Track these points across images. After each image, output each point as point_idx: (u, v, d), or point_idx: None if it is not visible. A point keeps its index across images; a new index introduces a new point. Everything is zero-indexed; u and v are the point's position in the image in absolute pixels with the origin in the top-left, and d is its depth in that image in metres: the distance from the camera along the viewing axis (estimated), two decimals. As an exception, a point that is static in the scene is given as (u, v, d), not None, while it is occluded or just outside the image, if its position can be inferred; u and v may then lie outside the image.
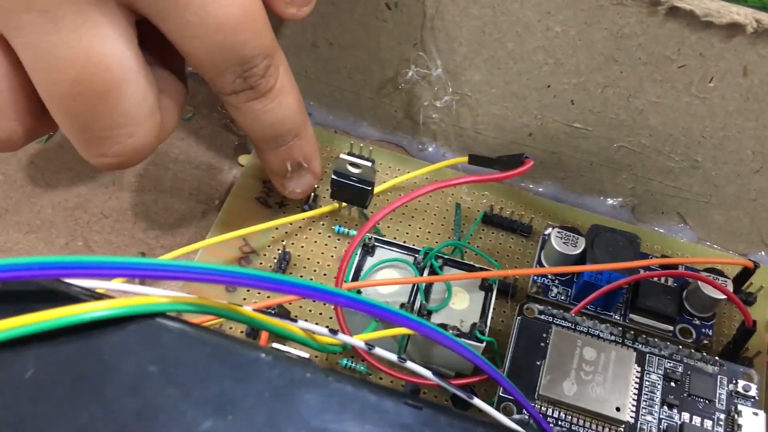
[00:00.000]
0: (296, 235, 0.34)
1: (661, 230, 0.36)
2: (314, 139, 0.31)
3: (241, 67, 0.25)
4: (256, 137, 0.29)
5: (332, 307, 0.31)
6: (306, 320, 0.30)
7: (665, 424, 0.27)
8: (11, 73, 0.24)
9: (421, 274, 0.29)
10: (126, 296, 0.19)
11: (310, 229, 0.34)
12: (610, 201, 0.37)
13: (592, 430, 0.27)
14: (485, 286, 0.30)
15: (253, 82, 0.26)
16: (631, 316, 0.31)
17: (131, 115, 0.24)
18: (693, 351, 0.29)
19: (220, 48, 0.24)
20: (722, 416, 0.27)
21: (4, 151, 0.25)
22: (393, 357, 0.23)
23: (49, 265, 0.18)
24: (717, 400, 0.28)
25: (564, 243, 0.32)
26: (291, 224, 0.34)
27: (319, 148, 0.32)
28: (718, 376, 0.28)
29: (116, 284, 0.20)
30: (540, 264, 0.33)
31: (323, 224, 0.34)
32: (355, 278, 0.29)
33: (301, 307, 0.32)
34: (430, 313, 0.29)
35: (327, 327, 0.22)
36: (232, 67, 0.25)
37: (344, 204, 0.34)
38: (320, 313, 0.32)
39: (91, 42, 0.22)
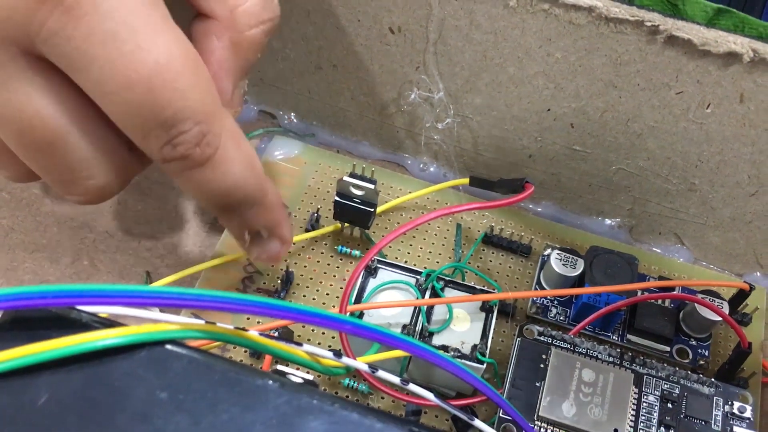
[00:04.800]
0: (299, 255, 0.34)
1: (659, 250, 0.37)
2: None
3: (165, 133, 0.22)
4: (204, 205, 0.26)
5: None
6: (309, 339, 0.31)
7: (662, 445, 0.28)
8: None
9: (423, 296, 0.30)
10: (135, 322, 0.20)
11: (313, 249, 0.35)
12: (608, 221, 0.37)
13: (591, 451, 0.27)
14: (486, 308, 0.30)
15: (184, 151, 0.23)
16: (629, 336, 0.32)
17: (83, 160, 0.24)
18: (689, 372, 0.29)
19: (135, 108, 0.22)
20: (718, 438, 0.28)
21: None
22: (396, 379, 0.23)
23: (62, 294, 0.19)
24: (713, 422, 0.28)
25: (563, 264, 0.32)
26: (294, 244, 0.34)
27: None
28: (714, 398, 0.29)
29: (127, 309, 0.20)
30: (539, 285, 0.34)
31: (326, 244, 0.35)
32: (358, 299, 0.30)
33: (304, 327, 0.32)
34: (431, 334, 0.29)
35: (330, 347, 0.22)
36: (155, 131, 0.22)
37: (347, 225, 0.34)
38: (323, 333, 0.32)
39: (18, 100, 0.22)
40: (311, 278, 0.34)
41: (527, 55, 0.31)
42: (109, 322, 0.20)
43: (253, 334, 0.21)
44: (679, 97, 0.30)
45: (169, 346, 0.19)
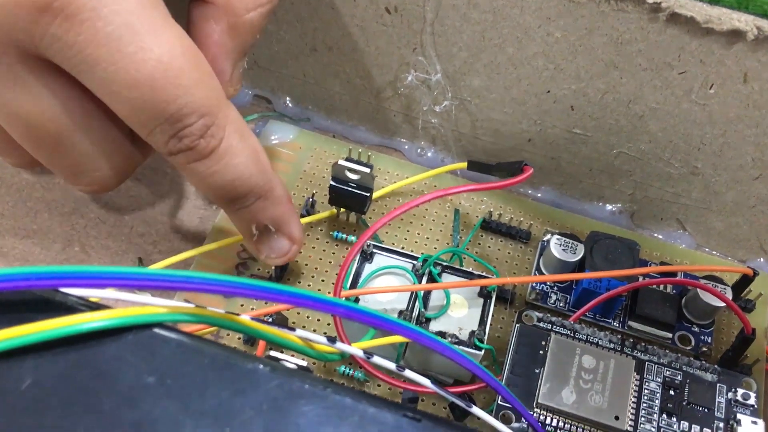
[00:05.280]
0: (294, 240, 0.34)
1: (660, 236, 0.36)
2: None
3: (171, 127, 0.23)
4: (211, 198, 0.26)
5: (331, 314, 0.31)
6: (304, 326, 0.31)
7: (664, 432, 0.27)
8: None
9: (420, 281, 0.29)
10: (123, 305, 0.19)
11: (309, 235, 0.34)
12: (609, 207, 0.37)
13: (591, 438, 0.27)
14: (484, 294, 0.29)
15: (190, 143, 0.24)
16: (630, 323, 0.31)
17: (89, 154, 0.25)
18: (692, 359, 0.29)
19: (140, 105, 0.23)
20: (721, 425, 0.27)
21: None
22: (392, 366, 0.23)
23: (46, 275, 0.18)
24: (716, 409, 0.28)
25: (563, 250, 0.31)
26: (289, 229, 0.34)
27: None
28: (717, 385, 0.28)
29: (113, 293, 0.20)
30: (539, 270, 0.33)
31: (321, 230, 0.34)
32: (354, 285, 0.29)
33: (299, 313, 0.31)
34: (428, 320, 0.29)
35: (325, 334, 0.22)
36: (161, 126, 0.23)
37: (343, 210, 0.34)
38: (318, 319, 0.32)
39: (25, 100, 0.23)
40: (306, 264, 0.33)
41: (526, 35, 0.31)
42: (95, 305, 0.19)
43: (244, 318, 0.21)
44: (681, 77, 0.30)
45: (157, 330, 0.19)
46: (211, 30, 0.26)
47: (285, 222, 0.28)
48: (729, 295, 0.31)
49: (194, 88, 0.23)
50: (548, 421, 0.27)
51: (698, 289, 0.31)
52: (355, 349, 0.23)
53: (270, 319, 0.29)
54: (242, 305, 0.31)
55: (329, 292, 0.32)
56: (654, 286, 0.31)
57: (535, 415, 0.27)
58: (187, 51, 0.23)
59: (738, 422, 0.27)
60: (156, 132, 0.23)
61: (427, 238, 0.35)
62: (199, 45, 0.27)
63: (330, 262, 0.33)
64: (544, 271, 0.33)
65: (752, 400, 0.28)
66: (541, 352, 0.28)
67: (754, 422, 0.27)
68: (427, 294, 0.29)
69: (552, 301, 0.32)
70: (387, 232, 0.34)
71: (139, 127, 0.24)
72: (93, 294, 0.20)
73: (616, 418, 0.27)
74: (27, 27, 0.21)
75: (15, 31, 0.21)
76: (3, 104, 0.23)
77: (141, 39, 0.22)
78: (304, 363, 0.23)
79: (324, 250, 0.34)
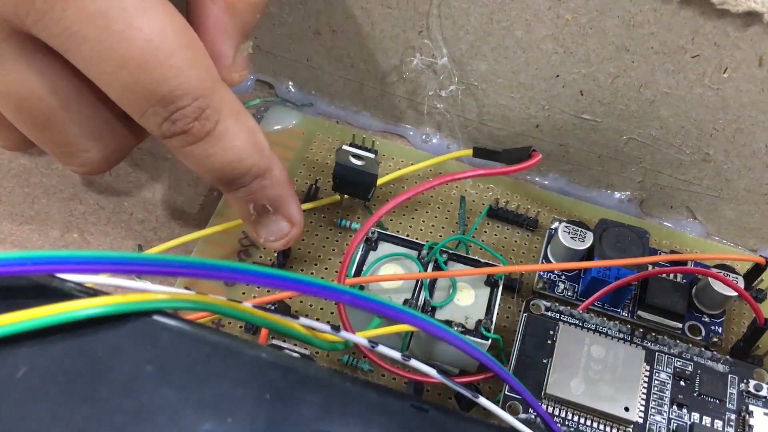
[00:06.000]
0: (297, 227, 0.33)
1: (669, 225, 0.36)
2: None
3: (164, 109, 0.22)
4: (207, 180, 0.26)
5: (335, 302, 0.31)
6: (307, 315, 0.30)
7: (675, 424, 0.26)
8: None
9: (426, 269, 0.29)
10: (121, 292, 0.18)
11: (311, 222, 0.33)
12: (617, 195, 0.36)
13: (600, 430, 0.26)
14: (491, 282, 0.29)
15: (184, 126, 0.23)
16: (640, 313, 0.31)
17: (80, 134, 0.25)
18: (703, 349, 0.28)
19: (130, 86, 0.22)
20: (733, 416, 0.27)
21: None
22: (397, 355, 0.22)
23: (42, 260, 0.18)
24: (728, 400, 0.27)
25: (571, 238, 0.31)
26: (292, 216, 0.33)
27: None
28: (729, 376, 0.28)
29: (111, 279, 0.19)
30: (546, 259, 0.32)
31: (325, 217, 0.34)
32: (358, 273, 0.28)
33: (301, 302, 0.31)
34: (434, 309, 0.28)
35: (329, 323, 0.21)
36: (154, 107, 0.22)
37: (346, 196, 0.33)
38: (321, 308, 0.31)
39: (14, 79, 0.22)
40: (309, 252, 0.32)
41: (535, 17, 0.30)
42: (93, 292, 0.18)
43: (246, 306, 0.20)
44: (694, 60, 0.29)
45: (156, 317, 0.18)
46: (209, 10, 0.25)
47: (284, 203, 0.27)
48: (741, 285, 0.30)
49: (187, 69, 0.22)
50: (556, 412, 0.26)
51: (709, 279, 0.30)
52: (360, 338, 0.22)
53: (272, 308, 0.28)
54: (243, 293, 0.31)
55: (333, 281, 0.32)
56: (664, 275, 0.31)
57: (543, 405, 0.26)
58: (179, 30, 0.22)
59: (750, 414, 0.27)
60: (149, 114, 0.23)
61: (432, 226, 0.34)
62: (196, 26, 0.26)
63: (333, 250, 0.33)
64: (551, 259, 0.32)
65: (765, 392, 0.27)
66: (549, 341, 0.28)
67: (767, 413, 0.26)
68: (433, 282, 0.29)
69: (560, 290, 0.31)
70: (391, 220, 0.34)
71: (130, 109, 0.23)
72: (90, 280, 0.19)
73: (626, 408, 0.26)
74: (12, 2, 0.20)
75: (0, 5, 0.20)
76: None
77: (129, 16, 0.21)
78: (307, 352, 0.22)
79: (327, 238, 0.33)
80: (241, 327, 0.30)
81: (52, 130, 0.24)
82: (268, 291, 0.31)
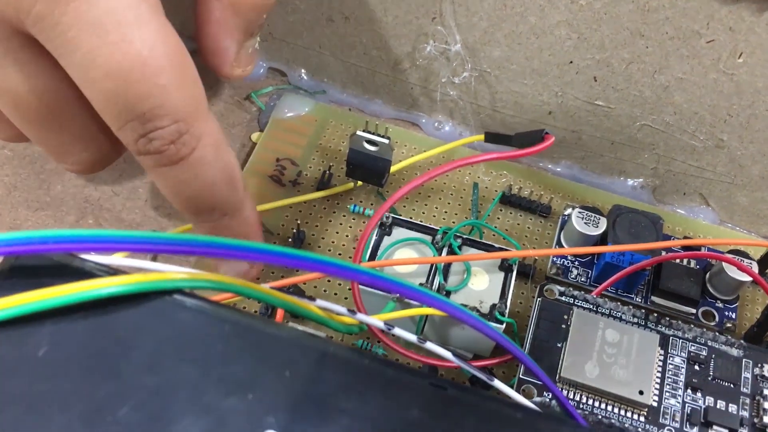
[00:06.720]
0: (310, 214, 0.33)
1: (682, 212, 0.36)
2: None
3: (142, 126, 0.22)
4: (176, 206, 0.25)
5: (348, 287, 0.31)
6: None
7: (689, 407, 0.27)
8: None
9: (440, 254, 0.29)
10: (141, 273, 0.19)
11: (325, 209, 0.33)
12: (630, 182, 0.36)
13: (615, 413, 0.26)
14: (505, 267, 0.29)
15: (159, 146, 0.23)
16: (653, 298, 0.31)
17: (76, 135, 0.25)
18: (717, 334, 0.28)
19: (113, 97, 0.22)
20: (747, 400, 0.27)
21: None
22: (413, 337, 0.22)
23: (63, 239, 0.18)
24: (742, 384, 0.27)
25: (585, 223, 0.31)
26: (305, 203, 0.33)
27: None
28: (743, 360, 0.28)
29: (130, 260, 0.19)
30: (560, 245, 0.32)
31: (338, 203, 0.34)
32: (372, 258, 0.29)
33: (315, 287, 0.31)
34: (448, 293, 0.28)
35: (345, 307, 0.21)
36: (132, 122, 0.22)
37: (360, 183, 0.33)
38: (335, 294, 0.31)
39: (13, 77, 0.23)
40: (323, 238, 0.33)
41: (549, 2, 0.30)
42: (113, 271, 0.19)
43: (264, 287, 0.20)
44: (709, 46, 0.29)
45: (177, 296, 0.18)
46: (212, 6, 0.26)
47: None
48: (755, 270, 0.30)
49: (172, 90, 0.22)
50: (571, 395, 0.26)
51: (723, 264, 0.30)
52: (376, 321, 0.22)
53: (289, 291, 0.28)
54: (258, 279, 0.31)
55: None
56: (678, 261, 0.31)
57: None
58: (172, 50, 0.22)
59: (765, 398, 0.27)
60: (126, 128, 0.22)
61: (445, 212, 0.34)
62: (200, 24, 0.26)
63: (347, 236, 0.33)
64: (565, 245, 0.32)
65: (779, 376, 0.27)
66: (563, 326, 0.28)
67: (782, 398, 0.26)
68: (448, 266, 0.29)
69: (573, 276, 0.31)
70: (404, 206, 0.34)
71: (110, 120, 0.23)
72: (110, 261, 0.19)
73: (641, 392, 0.26)
74: (14, 3, 0.21)
75: (2, 6, 0.21)
76: None
77: (124, 29, 0.21)
78: (322, 335, 0.22)
79: (341, 224, 0.33)
80: (255, 311, 0.30)
81: (48, 129, 0.24)
82: (282, 276, 0.31)
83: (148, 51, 0.21)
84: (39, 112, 0.24)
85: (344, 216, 0.33)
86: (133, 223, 0.33)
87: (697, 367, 0.27)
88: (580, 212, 0.31)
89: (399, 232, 0.29)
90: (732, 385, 0.27)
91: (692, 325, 0.28)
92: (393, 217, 0.29)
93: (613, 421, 0.26)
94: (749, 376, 0.27)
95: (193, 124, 0.23)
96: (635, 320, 0.28)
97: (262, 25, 0.27)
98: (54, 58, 0.22)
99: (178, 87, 0.22)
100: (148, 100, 0.22)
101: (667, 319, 0.28)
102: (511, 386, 0.26)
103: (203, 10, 0.26)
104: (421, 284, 0.28)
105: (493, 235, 0.33)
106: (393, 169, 0.34)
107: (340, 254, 0.32)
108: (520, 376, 0.27)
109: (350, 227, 0.33)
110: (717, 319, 0.31)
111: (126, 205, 0.33)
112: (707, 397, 0.27)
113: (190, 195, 0.24)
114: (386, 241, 0.29)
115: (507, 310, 0.28)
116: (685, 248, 0.31)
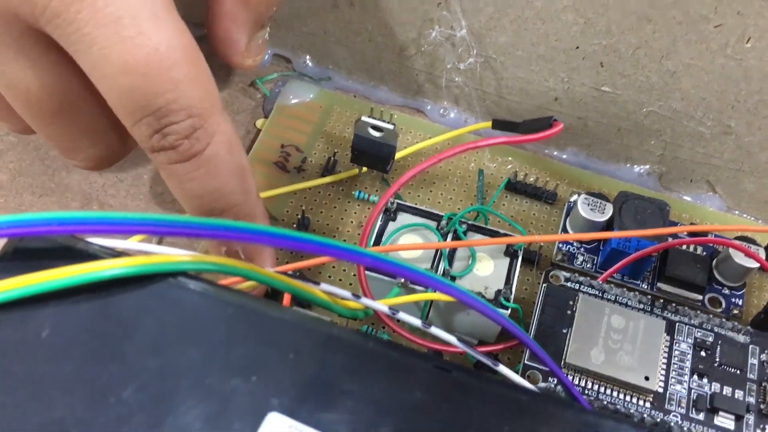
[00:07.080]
0: (315, 200, 0.33)
1: (689, 198, 0.35)
2: None
3: (157, 121, 0.22)
4: (186, 207, 0.25)
5: (354, 273, 0.31)
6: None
7: (695, 393, 0.26)
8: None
9: (445, 240, 0.29)
10: (145, 255, 0.18)
11: (330, 195, 0.33)
12: (636, 168, 0.36)
13: (620, 399, 0.26)
14: (510, 252, 0.29)
15: (173, 141, 0.22)
16: (659, 285, 0.31)
17: (86, 131, 0.25)
18: (724, 320, 0.28)
19: (128, 93, 0.22)
20: (754, 386, 0.27)
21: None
22: (418, 322, 0.22)
23: (67, 221, 0.18)
24: (748, 370, 0.27)
25: (591, 209, 0.31)
26: (310, 189, 0.33)
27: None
28: (750, 346, 0.28)
29: (134, 243, 0.19)
30: (565, 231, 0.32)
31: (343, 189, 0.34)
32: (377, 243, 0.28)
33: (320, 273, 0.31)
34: (454, 279, 0.28)
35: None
36: (147, 118, 0.22)
37: (364, 169, 0.33)
38: (340, 279, 0.31)
39: (26, 74, 0.23)
40: (328, 224, 0.32)
41: (556, -14, 0.30)
42: (117, 253, 0.19)
43: (269, 270, 0.20)
44: (717, 30, 0.29)
45: (181, 279, 0.18)
46: (223, 0, 0.26)
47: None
48: (763, 256, 0.30)
49: (187, 86, 0.22)
50: (576, 381, 0.26)
51: (730, 250, 0.30)
52: (381, 305, 0.22)
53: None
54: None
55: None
56: (684, 247, 0.31)
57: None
58: (186, 47, 0.22)
59: (771, 384, 0.26)
60: (141, 124, 0.22)
61: (450, 199, 0.34)
62: (212, 16, 0.27)
63: (351, 222, 0.33)
64: (570, 231, 0.32)
65: (786, 363, 0.27)
66: (568, 312, 0.28)
67: (788, 385, 0.26)
68: (453, 252, 0.29)
69: (579, 262, 0.31)
70: (410, 192, 0.34)
71: (125, 117, 0.23)
72: (114, 244, 0.19)
73: (646, 378, 0.26)
74: (30, 0, 0.21)
75: (17, 3, 0.21)
76: (2, 74, 0.23)
77: (140, 25, 0.21)
78: (327, 319, 0.22)
79: (345, 210, 0.33)
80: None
81: (58, 125, 0.24)
82: (287, 261, 0.31)
83: (164, 46, 0.21)
84: (50, 108, 0.24)
85: (349, 202, 0.33)
86: (137, 209, 0.33)
87: (703, 353, 0.27)
88: (586, 198, 0.31)
89: (404, 218, 0.29)
90: (738, 371, 0.27)
91: (699, 312, 0.28)
92: (398, 202, 0.29)
93: (618, 406, 0.26)
94: (756, 362, 0.27)
95: (208, 120, 0.23)
96: (641, 306, 0.28)
97: (272, 16, 0.27)
98: (65, 54, 0.22)
99: (192, 82, 0.22)
100: (164, 95, 0.22)
101: (674, 305, 0.28)
102: (516, 372, 0.26)
103: (214, 2, 0.26)
104: (426, 269, 0.28)
105: (499, 221, 0.32)
106: (398, 155, 0.34)
107: (345, 240, 0.32)
108: (525, 361, 0.27)
109: (355, 213, 0.33)
110: (724, 305, 0.31)
111: (130, 192, 0.33)
112: (713, 383, 0.27)
113: (201, 194, 0.24)
114: (391, 226, 0.29)
115: (512, 296, 0.28)
116: (692, 234, 0.31)
